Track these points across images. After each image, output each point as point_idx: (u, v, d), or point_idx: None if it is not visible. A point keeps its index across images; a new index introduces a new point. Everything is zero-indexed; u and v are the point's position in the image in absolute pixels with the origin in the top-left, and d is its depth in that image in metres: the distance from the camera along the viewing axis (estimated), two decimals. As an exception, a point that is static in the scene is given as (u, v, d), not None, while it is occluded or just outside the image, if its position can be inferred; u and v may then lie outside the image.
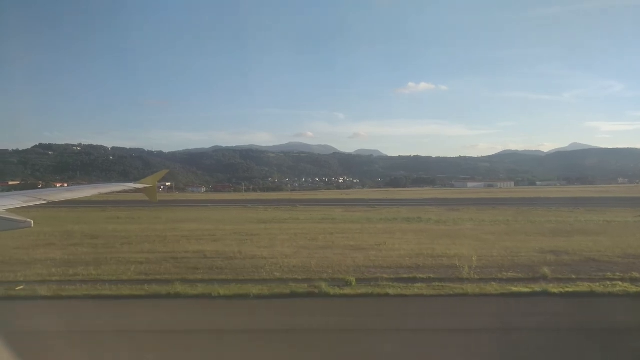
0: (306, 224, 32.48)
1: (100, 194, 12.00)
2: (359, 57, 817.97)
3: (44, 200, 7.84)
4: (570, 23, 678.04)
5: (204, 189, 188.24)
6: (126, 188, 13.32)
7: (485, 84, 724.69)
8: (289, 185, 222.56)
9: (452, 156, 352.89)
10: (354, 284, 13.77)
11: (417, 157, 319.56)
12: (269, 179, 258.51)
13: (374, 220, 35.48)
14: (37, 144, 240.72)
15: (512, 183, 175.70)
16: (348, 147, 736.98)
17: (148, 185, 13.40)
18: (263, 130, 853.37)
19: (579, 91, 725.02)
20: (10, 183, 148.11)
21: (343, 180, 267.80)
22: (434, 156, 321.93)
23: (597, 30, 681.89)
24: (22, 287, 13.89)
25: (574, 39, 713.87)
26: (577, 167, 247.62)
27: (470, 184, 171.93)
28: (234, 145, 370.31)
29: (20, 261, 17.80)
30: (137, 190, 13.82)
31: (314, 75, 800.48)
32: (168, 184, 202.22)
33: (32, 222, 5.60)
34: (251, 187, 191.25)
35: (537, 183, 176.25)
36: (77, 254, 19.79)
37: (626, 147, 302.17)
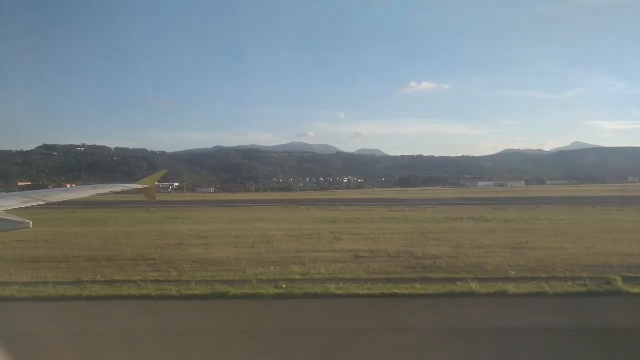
0: (391, 224, 32.30)
1: (99, 194, 11.93)
2: (360, 57, 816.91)
3: (43, 201, 7.76)
4: (571, 21, 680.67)
5: (212, 190, 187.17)
6: (125, 188, 13.45)
7: (487, 83, 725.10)
8: (294, 185, 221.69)
9: (454, 155, 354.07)
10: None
11: (420, 157, 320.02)
12: (274, 179, 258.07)
13: (449, 220, 35.21)
14: (42, 145, 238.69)
15: (523, 182, 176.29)
16: (349, 146, 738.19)
17: (147, 186, 13.47)
18: (265, 131, 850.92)
19: (580, 90, 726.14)
20: (20, 184, 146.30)
21: (347, 180, 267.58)
22: (437, 155, 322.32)
23: (598, 29, 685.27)
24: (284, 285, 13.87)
25: (574, 37, 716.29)
26: (581, 166, 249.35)
27: (481, 184, 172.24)
28: (236, 145, 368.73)
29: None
30: (136, 191, 14.10)
31: (316, 75, 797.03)
32: (176, 184, 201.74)
33: (31, 223, 5.52)
34: (262, 188, 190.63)
35: (548, 182, 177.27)
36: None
37: (629, 146, 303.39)
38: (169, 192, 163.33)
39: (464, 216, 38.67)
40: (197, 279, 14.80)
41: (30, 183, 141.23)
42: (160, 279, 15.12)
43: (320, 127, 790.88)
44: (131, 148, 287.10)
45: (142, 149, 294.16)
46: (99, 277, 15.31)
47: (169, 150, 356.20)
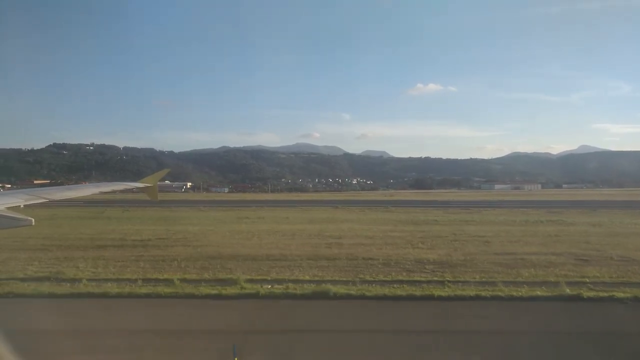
0: (511, 227, 31.91)
1: (101, 192, 11.89)
2: (366, 58, 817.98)
3: (45, 198, 7.79)
4: (577, 24, 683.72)
5: (226, 190, 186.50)
6: (128, 187, 13.54)
7: (493, 85, 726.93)
8: (309, 187, 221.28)
9: (461, 158, 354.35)
10: None
11: (427, 159, 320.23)
12: (282, 180, 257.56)
13: (536, 223, 34.83)
14: (51, 144, 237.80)
15: (539, 185, 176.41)
16: (355, 148, 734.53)
17: (149, 185, 13.50)
18: (270, 131, 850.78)
19: (586, 93, 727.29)
20: (36, 182, 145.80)
21: (356, 181, 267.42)
22: (444, 158, 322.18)
23: (605, 32, 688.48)
24: None
25: (581, 40, 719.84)
26: (591, 169, 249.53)
27: (497, 186, 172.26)
28: (242, 145, 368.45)
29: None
30: (139, 190, 13.99)
31: (320, 76, 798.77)
32: (189, 184, 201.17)
33: (33, 220, 5.52)
34: (277, 188, 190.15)
35: (564, 186, 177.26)
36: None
37: (636, 149, 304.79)
38: (183, 192, 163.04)
39: (541, 219, 37.92)
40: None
41: (48, 181, 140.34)
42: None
43: (325, 128, 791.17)
44: (139, 147, 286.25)
45: (150, 148, 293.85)
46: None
47: (175, 150, 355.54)
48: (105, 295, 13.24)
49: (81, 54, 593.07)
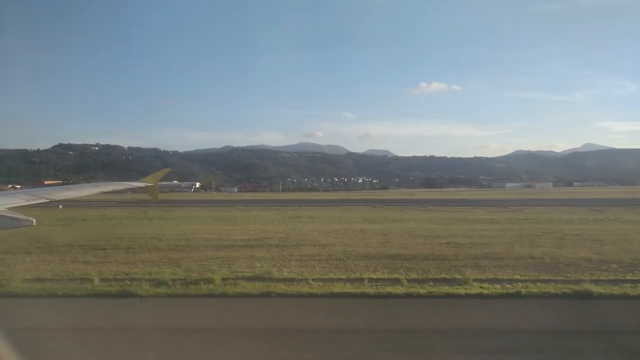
0: (581, 225, 31.26)
1: (102, 192, 12.09)
2: (368, 57, 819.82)
3: (46, 198, 7.77)
4: (581, 22, 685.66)
5: (235, 189, 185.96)
6: (128, 186, 13.57)
7: (497, 84, 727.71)
8: (314, 185, 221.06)
9: (464, 156, 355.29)
10: None
11: (432, 157, 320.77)
12: (288, 179, 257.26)
13: (596, 222, 34.33)
14: (57, 144, 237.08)
15: (550, 184, 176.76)
16: (358, 147, 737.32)
17: (150, 184, 13.47)
18: (273, 130, 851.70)
19: (590, 91, 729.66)
20: (47, 182, 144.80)
21: (362, 180, 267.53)
22: (448, 156, 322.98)
23: (609, 30, 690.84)
24: None
25: (584, 37, 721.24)
26: (596, 167, 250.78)
27: (508, 185, 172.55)
28: (245, 145, 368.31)
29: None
30: (139, 189, 14.08)
31: (323, 75, 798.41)
32: (198, 184, 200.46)
33: (34, 220, 5.50)
34: (289, 188, 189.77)
35: (575, 184, 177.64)
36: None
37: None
38: (193, 192, 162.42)
39: (588, 217, 37.72)
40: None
41: (62, 181, 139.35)
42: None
43: (328, 127, 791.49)
44: (144, 147, 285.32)
45: (154, 148, 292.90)
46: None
47: (179, 149, 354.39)
48: (364, 296, 12.95)
49: (83, 54, 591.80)
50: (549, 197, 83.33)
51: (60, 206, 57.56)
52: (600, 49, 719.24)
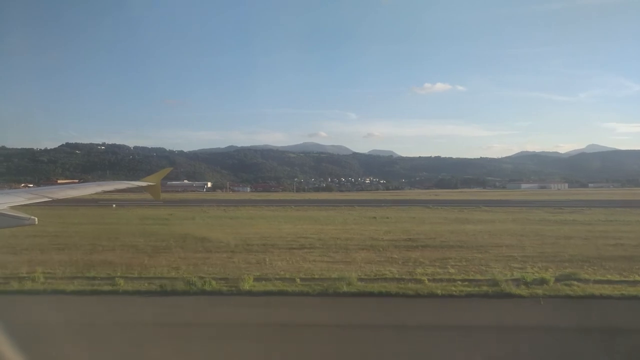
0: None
1: (104, 191, 11.94)
2: (372, 57, 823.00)
3: (48, 197, 7.76)
4: (585, 22, 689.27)
5: (248, 189, 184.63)
6: (130, 186, 13.27)
7: (501, 84, 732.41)
8: (330, 186, 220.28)
9: (470, 157, 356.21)
10: None
11: (437, 158, 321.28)
12: (295, 179, 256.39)
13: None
14: (64, 143, 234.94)
15: (566, 185, 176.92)
16: (361, 147, 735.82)
17: (152, 183, 13.38)
18: (276, 130, 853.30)
19: (595, 91, 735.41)
20: (60, 182, 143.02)
21: (369, 181, 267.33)
22: (454, 157, 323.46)
23: (612, 30, 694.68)
24: None
25: (588, 38, 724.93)
26: (601, 168, 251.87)
27: (524, 186, 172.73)
28: (249, 144, 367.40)
29: None
30: (141, 189, 13.75)
31: (326, 75, 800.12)
32: (209, 184, 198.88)
33: (36, 219, 5.52)
34: (305, 187, 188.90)
35: (590, 185, 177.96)
36: None
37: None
38: (204, 192, 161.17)
39: None
40: None
41: (77, 181, 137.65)
42: None
43: (331, 127, 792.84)
44: (150, 147, 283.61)
45: (160, 147, 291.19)
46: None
47: (185, 149, 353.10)
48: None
49: (89, 54, 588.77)
50: (582, 198, 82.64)
51: (114, 205, 56.63)
52: (605, 50, 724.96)
